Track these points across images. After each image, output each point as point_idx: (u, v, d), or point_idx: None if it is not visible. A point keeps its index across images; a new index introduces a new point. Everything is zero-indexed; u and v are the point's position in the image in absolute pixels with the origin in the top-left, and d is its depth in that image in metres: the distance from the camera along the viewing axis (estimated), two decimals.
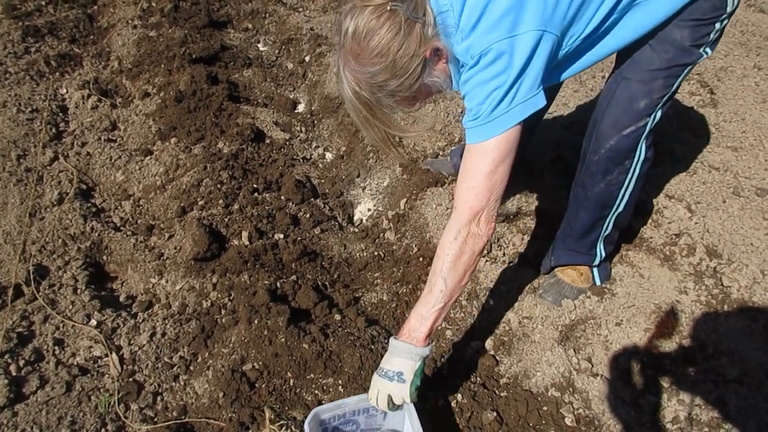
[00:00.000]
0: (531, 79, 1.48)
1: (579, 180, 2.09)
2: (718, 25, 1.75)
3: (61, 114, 3.43)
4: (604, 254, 2.28)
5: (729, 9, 1.72)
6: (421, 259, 2.57)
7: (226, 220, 2.55)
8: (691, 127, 3.29)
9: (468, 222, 1.58)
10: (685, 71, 1.81)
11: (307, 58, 4.13)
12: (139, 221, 2.74)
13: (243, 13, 4.83)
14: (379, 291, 2.46)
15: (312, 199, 2.84)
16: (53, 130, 3.23)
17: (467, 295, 2.41)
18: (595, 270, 2.38)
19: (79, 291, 2.31)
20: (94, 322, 2.18)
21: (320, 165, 3.27)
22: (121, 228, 2.69)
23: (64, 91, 3.64)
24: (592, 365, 2.13)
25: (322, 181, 3.14)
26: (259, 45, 4.50)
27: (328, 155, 3.38)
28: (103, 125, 3.32)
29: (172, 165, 2.90)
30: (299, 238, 2.58)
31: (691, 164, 2.98)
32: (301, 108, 3.78)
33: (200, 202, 2.65)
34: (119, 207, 2.81)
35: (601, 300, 2.33)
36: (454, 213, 1.62)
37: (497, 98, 1.47)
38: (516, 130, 1.52)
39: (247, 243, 2.45)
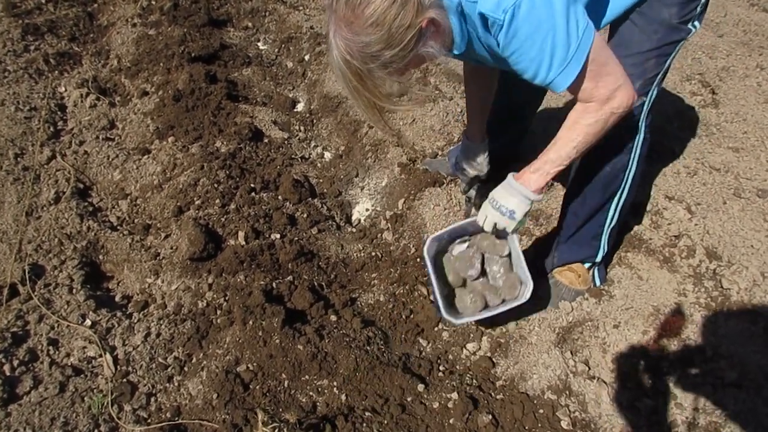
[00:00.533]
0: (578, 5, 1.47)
1: (582, 166, 2.10)
2: None
3: (59, 112, 3.42)
4: (606, 248, 2.26)
5: None
6: (418, 259, 2.55)
7: (223, 219, 2.54)
8: (691, 127, 3.26)
9: (608, 106, 1.61)
10: (677, 48, 1.84)
11: (306, 57, 4.11)
12: (135, 221, 2.73)
13: (243, 11, 4.81)
14: (375, 292, 2.44)
15: (310, 198, 2.83)
16: (51, 129, 3.22)
17: None
18: (595, 270, 2.37)
19: (74, 291, 2.30)
20: (88, 322, 2.18)
21: (318, 164, 3.26)
22: (118, 227, 2.68)
23: (63, 89, 3.63)
24: (589, 368, 2.11)
25: (321, 180, 3.13)
26: (259, 44, 4.48)
27: (327, 154, 3.37)
28: (101, 124, 3.31)
29: (169, 164, 2.89)
30: (296, 238, 2.56)
31: (692, 164, 2.96)
32: (300, 107, 3.76)
33: (197, 202, 2.64)
34: (116, 206, 2.80)
35: (599, 302, 2.31)
36: (591, 105, 1.63)
37: (562, 34, 1.44)
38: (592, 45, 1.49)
39: (244, 243, 2.43)
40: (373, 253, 2.65)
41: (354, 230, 2.82)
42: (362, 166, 3.15)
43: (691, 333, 2.22)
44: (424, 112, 3.36)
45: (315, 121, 3.61)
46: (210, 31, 4.30)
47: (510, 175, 1.82)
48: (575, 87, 1.56)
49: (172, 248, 2.49)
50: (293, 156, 3.22)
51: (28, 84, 3.57)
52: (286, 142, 3.29)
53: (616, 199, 2.12)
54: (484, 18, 1.46)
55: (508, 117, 2.56)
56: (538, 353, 2.14)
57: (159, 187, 2.82)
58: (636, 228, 2.65)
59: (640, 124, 1.94)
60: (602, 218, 2.17)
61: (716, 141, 3.16)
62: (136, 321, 2.22)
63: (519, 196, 1.78)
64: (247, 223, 2.53)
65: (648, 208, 2.73)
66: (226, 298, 2.26)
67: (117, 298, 2.37)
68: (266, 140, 3.25)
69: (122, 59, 4.00)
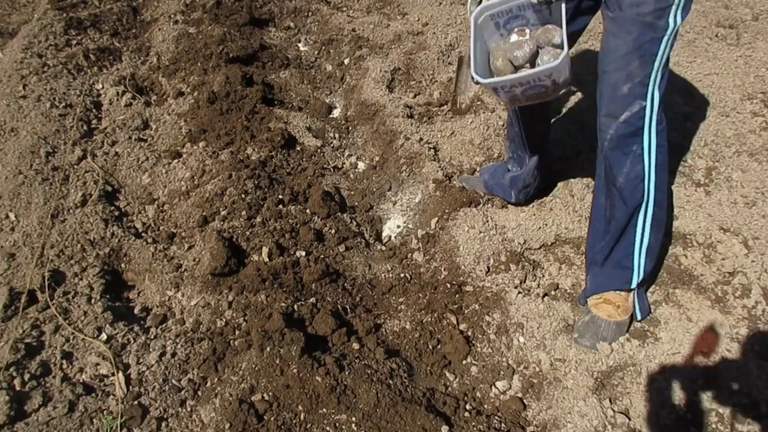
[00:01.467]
0: None
1: (599, 183, 2.08)
2: None
3: (94, 110, 3.39)
4: (642, 272, 2.11)
5: None
6: (449, 285, 2.42)
7: (248, 233, 2.45)
8: (752, 152, 3.03)
9: None
10: (662, 45, 1.78)
11: (346, 61, 4.01)
12: (161, 227, 2.67)
13: (286, 11, 4.73)
14: (402, 318, 2.31)
15: (339, 213, 2.72)
16: (84, 128, 3.18)
17: (495, 328, 2.25)
18: (634, 298, 2.18)
19: (93, 301, 2.24)
20: (104, 336, 2.11)
21: (351, 175, 3.14)
22: (143, 234, 2.62)
23: (100, 86, 3.60)
24: (630, 419, 1.94)
25: (352, 192, 3.01)
26: (299, 44, 4.40)
27: (361, 165, 3.25)
28: (135, 124, 3.27)
29: (198, 170, 2.81)
30: (322, 256, 2.46)
31: (751, 194, 2.73)
32: (336, 113, 3.65)
33: (222, 212, 2.56)
34: (142, 211, 2.75)
35: (643, 344, 2.13)
36: None
37: None
38: None
39: (267, 260, 2.34)
40: (402, 275, 2.53)
41: (383, 248, 2.70)
42: (396, 179, 3.02)
43: (744, 385, 2.02)
44: (464, 124, 3.22)
45: (350, 128, 3.50)
46: (251, 31, 4.24)
47: None
48: None
49: (194, 260, 2.41)
50: (325, 165, 3.11)
51: (66, 80, 3.55)
52: (319, 150, 3.19)
53: (641, 213, 2.03)
54: None
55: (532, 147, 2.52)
56: (573, 399, 1.98)
57: (186, 194, 2.75)
58: (686, 262, 2.46)
59: (645, 129, 1.89)
60: (631, 237, 2.07)
61: None
62: (152, 337, 2.15)
63: None
64: (272, 238, 2.44)
65: (700, 240, 2.52)
66: (245, 318, 2.16)
67: (136, 310, 2.31)
68: (299, 148, 3.15)
69: (161, 57, 3.96)
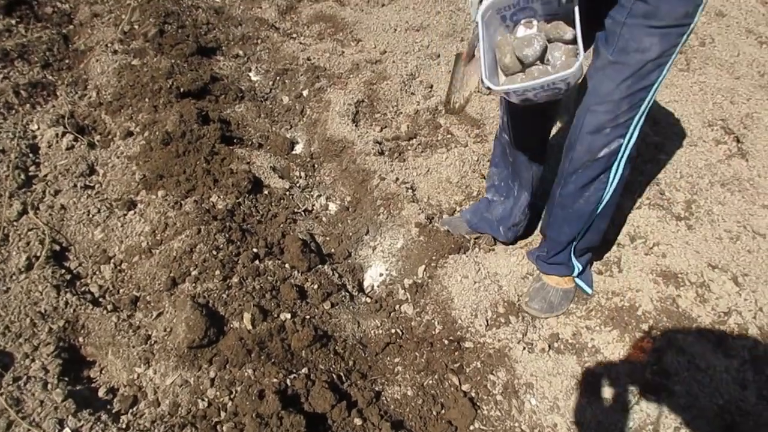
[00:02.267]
0: None
1: (557, 200, 2.15)
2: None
3: (31, 155, 3.04)
4: (581, 266, 2.37)
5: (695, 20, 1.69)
6: (446, 341, 2.27)
7: (225, 296, 2.21)
8: (723, 182, 3.05)
9: None
10: (652, 91, 1.80)
11: (304, 93, 3.81)
12: (121, 290, 2.39)
13: (233, 37, 4.48)
14: (401, 382, 2.14)
15: (320, 266, 2.51)
16: (21, 176, 2.84)
17: (501, 389, 2.11)
18: (578, 281, 2.44)
19: (50, 387, 1.95)
20: (67, 430, 1.83)
21: (324, 219, 2.95)
22: (101, 300, 2.33)
23: (35, 126, 3.25)
24: None
25: (327, 238, 2.82)
26: (251, 74, 4.16)
27: (332, 206, 3.06)
28: (80, 169, 2.95)
29: (159, 224, 2.55)
30: (308, 317, 2.25)
31: (733, 228, 2.74)
32: (299, 149, 3.45)
33: (193, 272, 2.31)
34: (97, 272, 2.45)
35: (659, 400, 2.05)
36: None
37: None
38: None
39: (250, 327, 2.11)
40: (393, 330, 2.36)
41: (368, 300, 2.52)
42: (373, 222, 2.85)
43: None
44: (438, 161, 3.09)
45: (316, 165, 3.31)
46: (199, 61, 3.97)
47: None
48: None
49: (165, 330, 2.15)
50: (296, 210, 2.90)
51: None
52: (287, 192, 2.97)
53: (587, 227, 2.18)
54: None
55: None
56: None
57: (148, 252, 2.47)
58: (682, 303, 2.41)
59: (616, 162, 1.96)
60: (570, 243, 2.25)
61: (752, 199, 2.95)
62: (124, 426, 1.88)
63: None
64: (253, 300, 2.21)
65: (692, 279, 2.49)
66: (232, 396, 1.93)
67: (101, 393, 2.02)
68: (266, 192, 2.93)
69: (102, 91, 3.63)
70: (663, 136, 3.32)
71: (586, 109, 1.88)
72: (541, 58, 1.78)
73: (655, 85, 1.80)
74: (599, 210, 2.11)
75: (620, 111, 1.81)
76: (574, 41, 1.73)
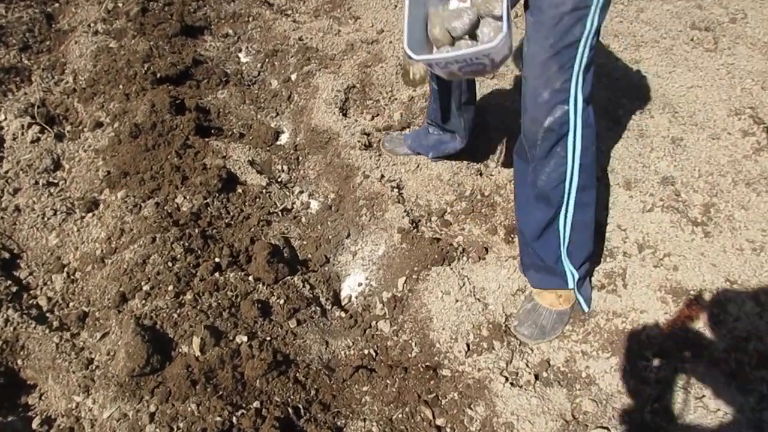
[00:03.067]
0: None
1: (518, 185, 2.04)
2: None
3: None
4: (576, 274, 2.08)
5: None
6: (421, 368, 2.03)
7: (175, 315, 2.00)
8: (749, 181, 2.72)
9: None
10: (580, 49, 1.67)
11: (293, 77, 3.54)
12: (71, 304, 2.20)
13: (224, 15, 4.22)
14: (368, 416, 1.91)
15: (288, 277, 2.29)
16: None
17: (479, 425, 1.88)
18: (575, 293, 2.15)
19: None
20: None
21: (303, 219, 2.71)
22: (47, 315, 2.14)
23: (2, 117, 3.06)
24: None
25: (304, 242, 2.59)
26: (240, 55, 3.90)
27: (314, 204, 2.82)
28: (44, 164, 2.76)
29: (115, 230, 2.34)
30: (269, 338, 2.03)
31: (757, 238, 2.42)
32: (283, 139, 3.20)
33: (145, 287, 2.10)
34: (48, 283, 2.27)
35: None
36: None
37: None
38: None
39: (198, 353, 1.90)
40: (366, 351, 2.13)
41: (343, 315, 2.29)
42: (355, 224, 2.60)
43: None
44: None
45: (301, 158, 3.06)
46: (182, 43, 3.72)
47: None
48: None
49: (108, 354, 1.95)
50: (272, 209, 2.67)
51: None
52: (264, 190, 2.74)
53: (562, 215, 1.96)
54: None
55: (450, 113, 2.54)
56: None
57: (101, 262, 2.27)
58: (692, 325, 2.13)
59: (570, 133, 1.81)
60: (555, 241, 2.01)
61: None
62: None
63: None
64: (206, 321, 2.00)
65: (707, 297, 2.20)
66: None
67: (35, 424, 1.84)
68: (240, 189, 2.69)
69: (78, 76, 3.42)
70: (681, 127, 2.98)
71: (523, 78, 1.82)
72: (472, 32, 1.74)
73: (582, 42, 1.67)
74: (571, 195, 1.93)
75: (550, 72, 1.71)
76: (502, 19, 1.62)
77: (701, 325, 2.13)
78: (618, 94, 3.25)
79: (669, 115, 3.10)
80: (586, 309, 2.19)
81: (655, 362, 2.04)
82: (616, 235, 2.51)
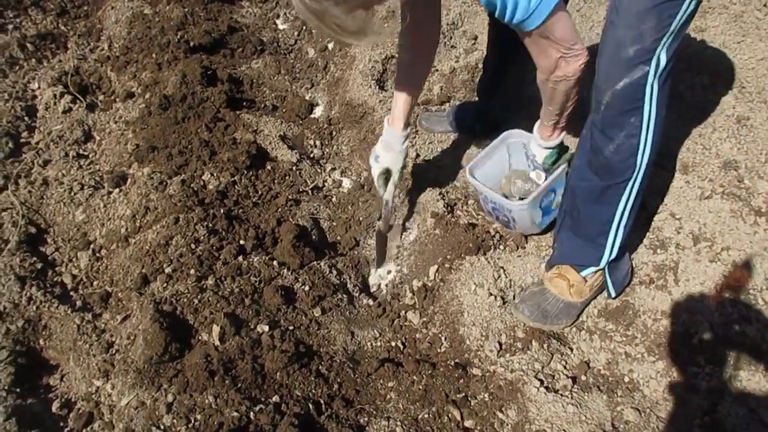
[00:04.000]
0: None
1: (588, 142, 1.80)
2: None
3: (26, 118, 2.82)
4: (616, 252, 1.92)
5: None
6: (451, 365, 1.92)
7: (196, 301, 1.93)
8: None
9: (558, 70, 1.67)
10: (684, 5, 1.50)
11: (330, 45, 3.40)
12: (95, 283, 2.16)
13: None
14: (391, 414, 1.82)
15: (315, 262, 2.19)
16: (10, 144, 2.63)
17: (511, 430, 1.76)
18: (605, 273, 1.98)
19: None
20: None
21: (333, 199, 2.60)
22: (71, 294, 2.11)
23: (36, 85, 3.03)
24: None
25: (334, 223, 2.48)
26: (278, 21, 3.77)
27: (346, 182, 2.70)
28: (75, 136, 2.71)
29: (140, 207, 2.28)
30: (291, 327, 1.95)
31: None
32: (318, 112, 3.08)
33: (167, 270, 2.04)
34: (73, 260, 2.23)
35: None
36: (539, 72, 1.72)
37: None
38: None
39: (218, 342, 1.83)
40: (393, 344, 2.03)
41: (371, 303, 2.19)
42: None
43: None
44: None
45: (334, 133, 2.94)
46: (219, 8, 3.62)
47: (535, 135, 2.04)
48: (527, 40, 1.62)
49: (128, 338, 1.91)
50: (302, 187, 2.56)
51: None
52: (294, 167, 2.63)
53: (627, 189, 1.79)
54: None
55: (501, 78, 2.48)
56: None
57: (125, 240, 2.22)
58: (751, 332, 1.94)
59: (646, 99, 1.63)
60: (610, 213, 1.85)
61: None
62: None
63: (541, 148, 2.04)
64: (228, 307, 1.92)
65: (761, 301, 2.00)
66: (189, 426, 1.67)
67: (54, 407, 1.82)
68: (269, 166, 2.59)
69: (114, 43, 3.36)
70: (748, 105, 2.71)
71: (609, 24, 1.62)
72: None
73: (688, 1, 1.50)
74: (641, 169, 1.76)
75: (645, 27, 1.52)
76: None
77: (760, 331, 1.94)
78: (679, 66, 2.97)
79: (735, 91, 2.82)
80: (613, 294, 2.03)
81: (707, 369, 1.87)
82: (669, 224, 2.31)
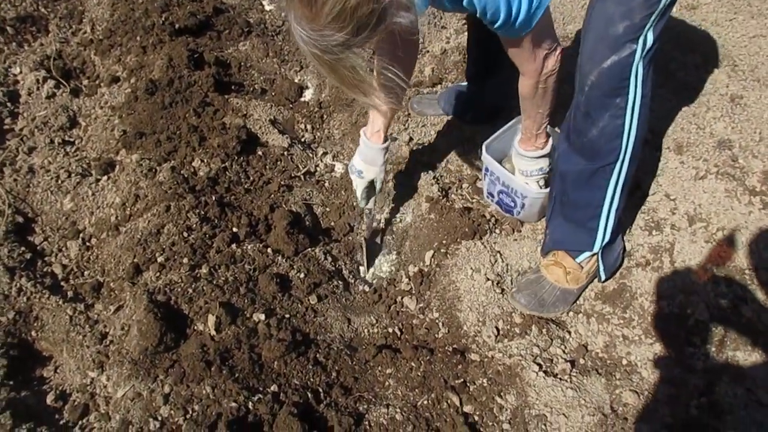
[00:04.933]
0: None
1: (572, 123, 1.78)
2: None
3: (9, 104, 2.75)
4: (608, 236, 1.93)
5: None
6: (448, 349, 1.91)
7: (190, 291, 1.90)
8: None
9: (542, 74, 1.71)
10: None
11: None
12: (85, 273, 2.12)
13: None
14: (391, 401, 1.81)
15: (309, 249, 2.17)
16: None
17: (510, 415, 1.76)
18: (598, 257, 1.98)
19: None
20: None
21: (326, 184, 2.57)
22: (62, 284, 2.07)
23: (18, 70, 2.94)
24: None
25: (327, 209, 2.45)
26: (264, 2, 3.69)
27: (338, 166, 2.67)
28: (59, 122, 2.65)
29: (130, 195, 2.23)
30: (287, 316, 1.93)
31: None
32: (308, 95, 3.03)
33: (159, 259, 2.00)
34: (63, 249, 2.19)
35: None
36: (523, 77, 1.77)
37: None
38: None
39: (214, 332, 1.81)
40: (391, 330, 2.02)
41: (366, 290, 2.17)
42: (381, 190, 2.45)
43: None
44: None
45: (325, 116, 2.90)
46: None
47: (515, 147, 2.09)
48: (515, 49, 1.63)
49: (122, 329, 1.88)
50: (294, 173, 2.53)
51: None
52: (286, 152, 2.59)
53: (615, 172, 1.79)
54: None
55: (487, 65, 2.42)
56: None
57: (116, 229, 2.18)
58: (746, 311, 1.95)
59: (631, 79, 1.61)
60: (599, 197, 1.85)
61: None
62: None
63: (536, 159, 2.06)
64: (223, 296, 1.90)
65: (764, 278, 2.01)
66: (187, 417, 1.66)
67: (49, 399, 1.79)
68: (260, 152, 2.55)
69: (96, 26, 3.28)
70: (741, 83, 2.70)
71: (597, 1, 1.58)
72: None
73: None
74: (627, 151, 1.75)
75: (634, 3, 1.49)
76: None
77: (755, 311, 1.95)
78: (670, 44, 2.96)
79: (728, 70, 2.82)
80: (603, 277, 2.04)
81: (704, 350, 1.88)
82: (663, 205, 2.31)
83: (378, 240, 2.37)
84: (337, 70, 1.32)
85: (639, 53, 1.56)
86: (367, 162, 2.07)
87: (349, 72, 1.32)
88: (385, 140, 2.03)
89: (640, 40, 1.55)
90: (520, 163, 2.10)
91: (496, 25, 1.51)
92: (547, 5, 1.50)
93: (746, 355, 1.85)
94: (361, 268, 2.29)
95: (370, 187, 2.15)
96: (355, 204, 2.45)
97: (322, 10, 1.19)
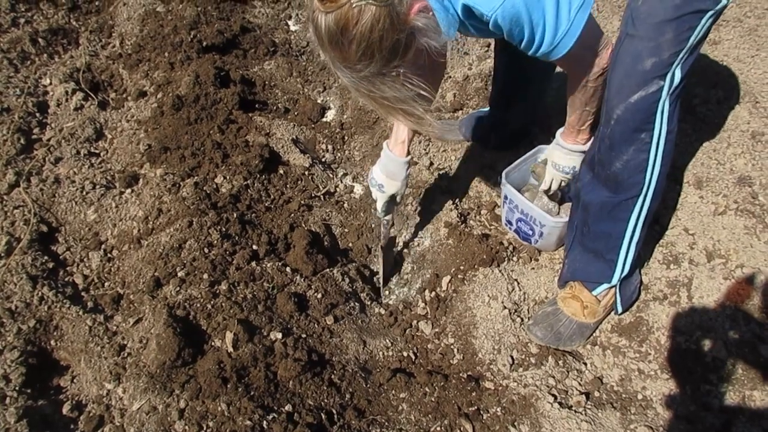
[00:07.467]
0: None
1: (596, 154, 1.77)
2: None
3: (38, 114, 2.81)
4: (627, 269, 1.92)
5: None
6: (463, 376, 1.91)
7: (209, 307, 1.92)
8: None
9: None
10: (704, 20, 1.49)
11: None
12: (106, 284, 2.15)
13: None
14: (403, 426, 1.81)
15: (328, 269, 2.18)
16: (22, 141, 2.62)
17: None
18: (616, 290, 1.97)
19: (8, 401, 1.74)
20: None
21: (345, 205, 2.59)
22: (82, 294, 2.10)
23: (48, 81, 3.01)
24: None
25: (346, 230, 2.47)
26: (290, 22, 3.76)
27: (357, 187, 2.69)
28: (86, 134, 2.70)
29: (153, 209, 2.27)
30: (304, 335, 1.94)
31: None
32: (330, 116, 3.07)
33: (180, 273, 2.03)
34: (85, 260, 2.22)
35: None
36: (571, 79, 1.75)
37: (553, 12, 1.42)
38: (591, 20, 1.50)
39: (231, 349, 1.82)
40: (405, 354, 2.02)
41: (383, 312, 2.18)
42: (399, 214, 2.47)
43: None
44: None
45: (346, 137, 2.93)
46: (231, 9, 3.60)
47: (556, 138, 2.02)
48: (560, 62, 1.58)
49: (140, 342, 1.90)
50: (314, 193, 2.55)
51: (5, 73, 2.96)
52: (307, 171, 2.62)
53: (638, 205, 1.78)
54: (469, 9, 1.43)
55: (513, 91, 2.43)
56: None
57: (138, 242, 2.21)
58: (765, 351, 1.93)
59: (657, 114, 1.61)
60: (620, 230, 1.84)
61: None
62: None
63: (573, 155, 1.98)
64: (241, 313, 1.91)
65: None
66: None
67: (65, 410, 1.81)
68: (282, 171, 2.58)
69: (125, 40, 3.35)
70: (763, 120, 2.70)
71: (625, 36, 1.58)
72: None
73: (709, 14, 1.48)
74: (651, 185, 1.75)
75: (663, 39, 1.50)
76: None
77: None
78: (692, 80, 2.97)
79: (749, 106, 2.82)
80: (620, 309, 2.02)
81: (721, 388, 1.87)
82: (682, 240, 2.30)
83: (394, 251, 2.36)
84: (378, 98, 1.41)
85: (666, 90, 1.57)
86: (388, 176, 2.02)
87: (390, 96, 1.41)
88: (408, 153, 2.01)
89: (668, 77, 1.55)
90: (554, 155, 2.04)
91: (528, 52, 1.53)
92: (582, 27, 1.47)
93: (764, 395, 1.83)
94: (375, 278, 2.29)
95: (391, 200, 2.12)
96: (373, 225, 2.47)
97: (350, 49, 1.29)
